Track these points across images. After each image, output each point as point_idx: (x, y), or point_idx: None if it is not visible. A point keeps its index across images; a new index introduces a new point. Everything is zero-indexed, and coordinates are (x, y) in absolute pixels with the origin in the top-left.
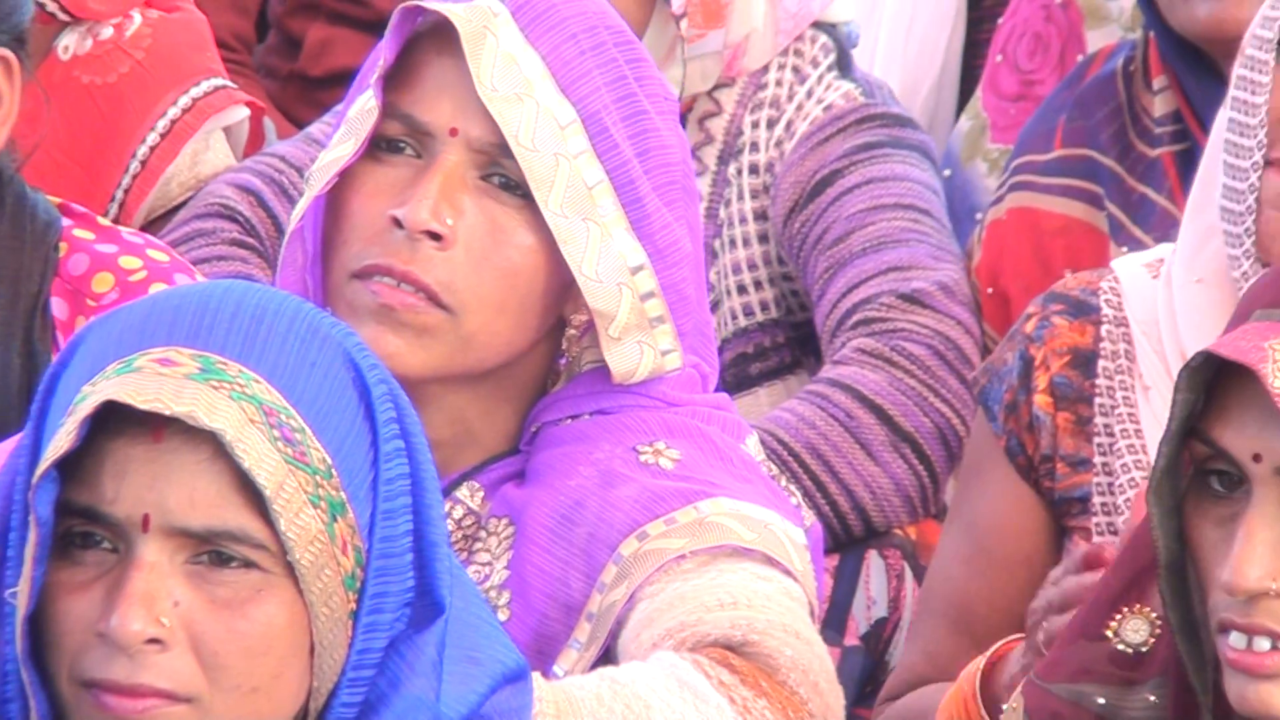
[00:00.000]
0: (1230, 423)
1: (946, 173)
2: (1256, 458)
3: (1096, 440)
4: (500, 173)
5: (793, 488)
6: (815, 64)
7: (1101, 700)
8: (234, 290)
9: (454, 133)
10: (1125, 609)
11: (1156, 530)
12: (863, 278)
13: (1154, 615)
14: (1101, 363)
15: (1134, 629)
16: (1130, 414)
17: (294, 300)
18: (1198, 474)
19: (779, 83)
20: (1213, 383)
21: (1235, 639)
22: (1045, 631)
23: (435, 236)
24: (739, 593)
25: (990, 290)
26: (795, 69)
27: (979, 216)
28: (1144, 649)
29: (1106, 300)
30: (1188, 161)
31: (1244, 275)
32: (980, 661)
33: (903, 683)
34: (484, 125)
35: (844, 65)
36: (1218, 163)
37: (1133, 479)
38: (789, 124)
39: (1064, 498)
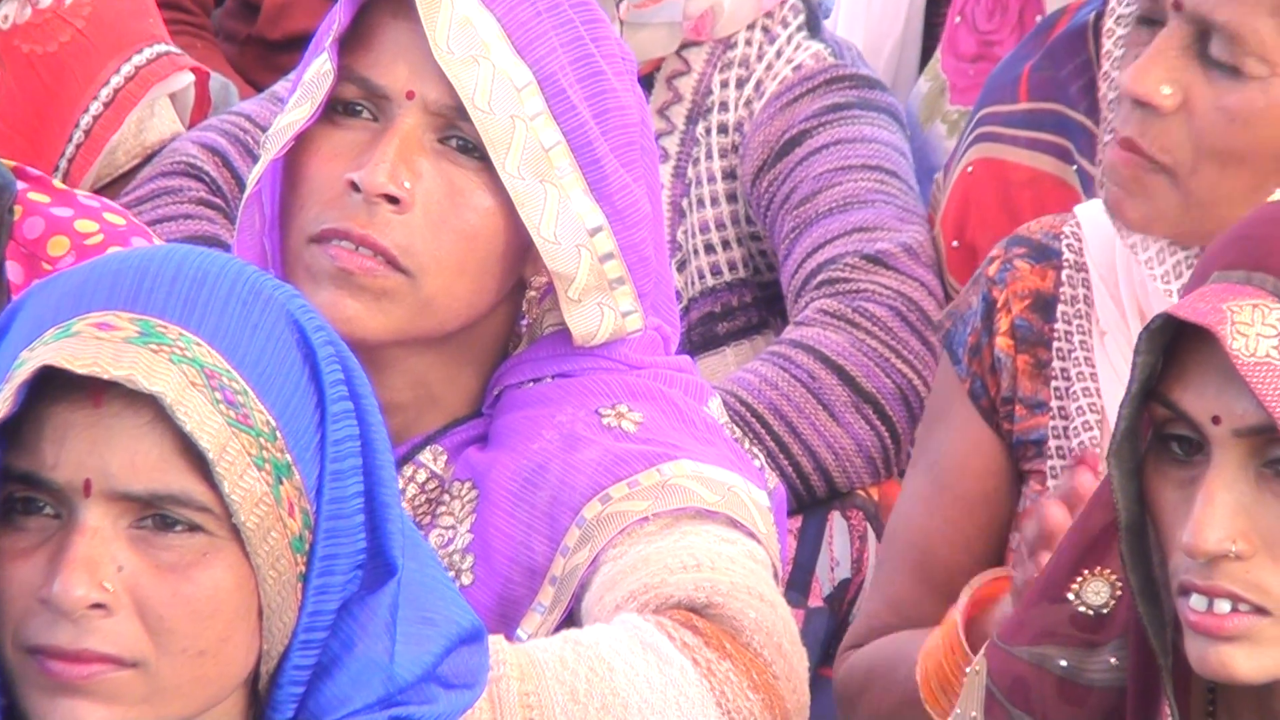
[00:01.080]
0: (1190, 385)
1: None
2: (1216, 420)
3: (1053, 384)
4: (458, 135)
5: (755, 450)
6: (785, 24)
7: (1064, 662)
8: (175, 254)
9: (410, 95)
10: (1086, 571)
11: (1117, 493)
12: (828, 238)
13: (1114, 577)
14: (1060, 307)
15: (1095, 591)
16: (1086, 358)
17: (236, 263)
18: (1157, 437)
19: (748, 42)
20: (1172, 345)
21: (1196, 601)
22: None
23: (393, 200)
24: (702, 555)
25: (956, 243)
26: (765, 29)
27: (937, 176)
28: (1105, 611)
29: (1068, 245)
30: None
31: (1133, 246)
32: (965, 598)
33: (867, 629)
34: (440, 88)
35: (813, 26)
36: None
37: (1087, 422)
38: (758, 84)
39: (1021, 440)
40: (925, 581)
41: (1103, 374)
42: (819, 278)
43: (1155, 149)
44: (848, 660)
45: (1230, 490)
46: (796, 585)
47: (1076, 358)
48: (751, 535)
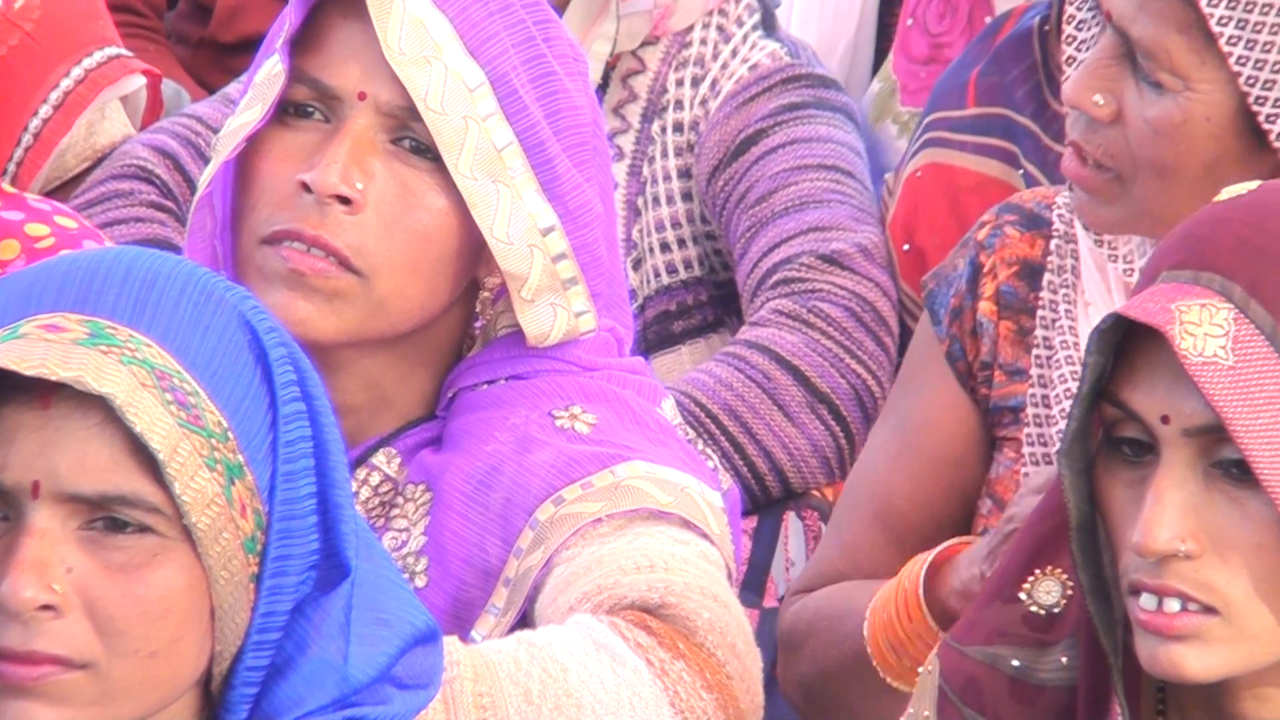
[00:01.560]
0: (1139, 385)
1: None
2: (1165, 419)
3: (1035, 352)
4: (410, 136)
5: (710, 451)
6: (740, 23)
7: (1016, 662)
8: (124, 255)
9: (362, 96)
10: (1038, 570)
11: (1068, 492)
12: (783, 237)
13: (1065, 577)
14: (1047, 276)
15: (1046, 590)
16: (1070, 327)
17: (187, 265)
18: (1108, 437)
19: (704, 41)
20: (1123, 345)
21: (1146, 600)
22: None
23: (345, 200)
24: (656, 556)
25: (906, 247)
26: (720, 28)
27: (887, 177)
28: (1056, 610)
29: (1059, 215)
30: None
31: (1108, 243)
32: (925, 560)
33: (818, 575)
34: (392, 89)
35: (769, 25)
36: None
37: (1068, 390)
38: (714, 82)
39: (998, 406)
40: (883, 532)
41: (1085, 343)
42: (774, 277)
43: (1100, 155)
44: (794, 605)
45: (1180, 490)
46: (751, 586)
47: (1060, 327)
48: (705, 536)
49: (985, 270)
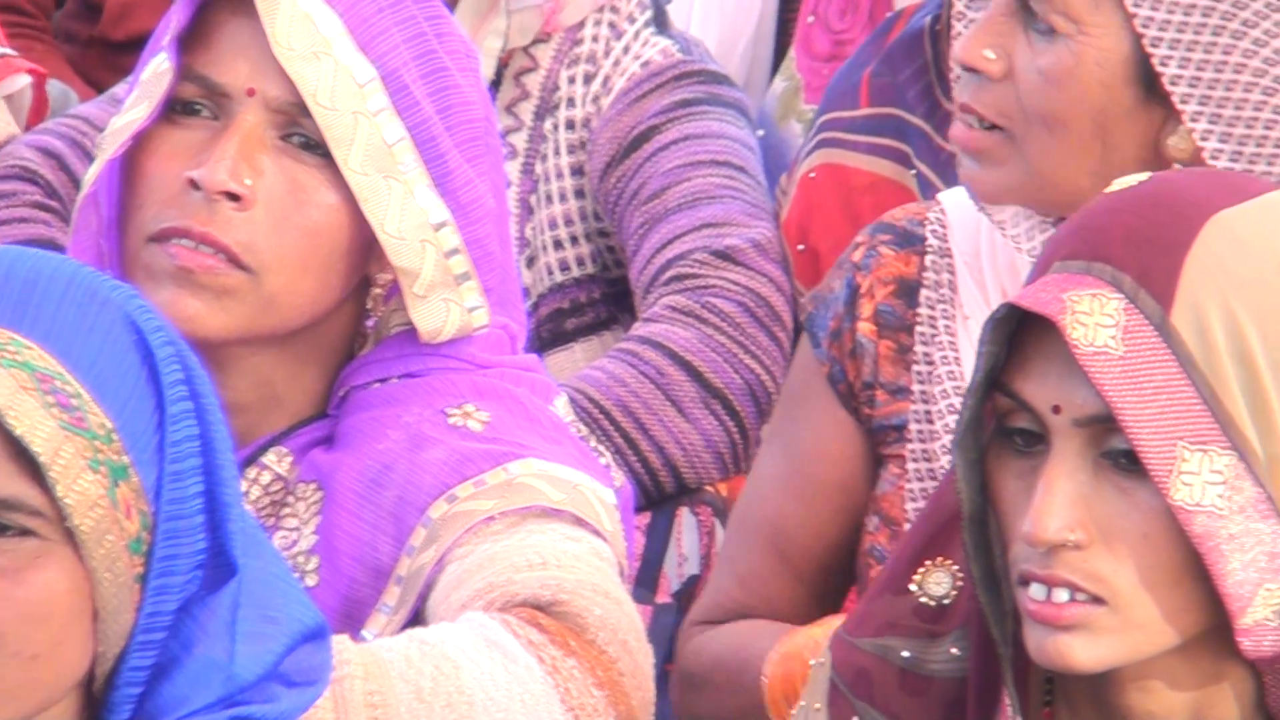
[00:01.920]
0: (1031, 375)
1: (760, 132)
2: (1056, 409)
3: (916, 369)
4: (299, 132)
5: (602, 448)
6: (631, 20)
7: (906, 654)
8: (5, 256)
9: (251, 93)
10: (928, 562)
11: (960, 482)
12: (677, 234)
13: (956, 568)
14: (924, 292)
15: (936, 582)
16: (950, 342)
17: (71, 264)
18: (1000, 427)
19: (595, 39)
20: (1016, 335)
21: (1035, 590)
22: None
23: (234, 197)
24: (548, 553)
25: (801, 247)
26: (611, 25)
27: (782, 177)
28: (946, 601)
29: (932, 231)
30: None
31: (1001, 224)
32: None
33: (716, 606)
34: (281, 85)
35: (660, 22)
36: None
37: (951, 405)
38: (606, 80)
39: (882, 425)
40: (777, 558)
41: (965, 358)
42: (668, 274)
43: (991, 113)
44: (695, 639)
45: (1070, 479)
46: (644, 582)
47: (940, 341)
48: (597, 533)
49: (862, 291)
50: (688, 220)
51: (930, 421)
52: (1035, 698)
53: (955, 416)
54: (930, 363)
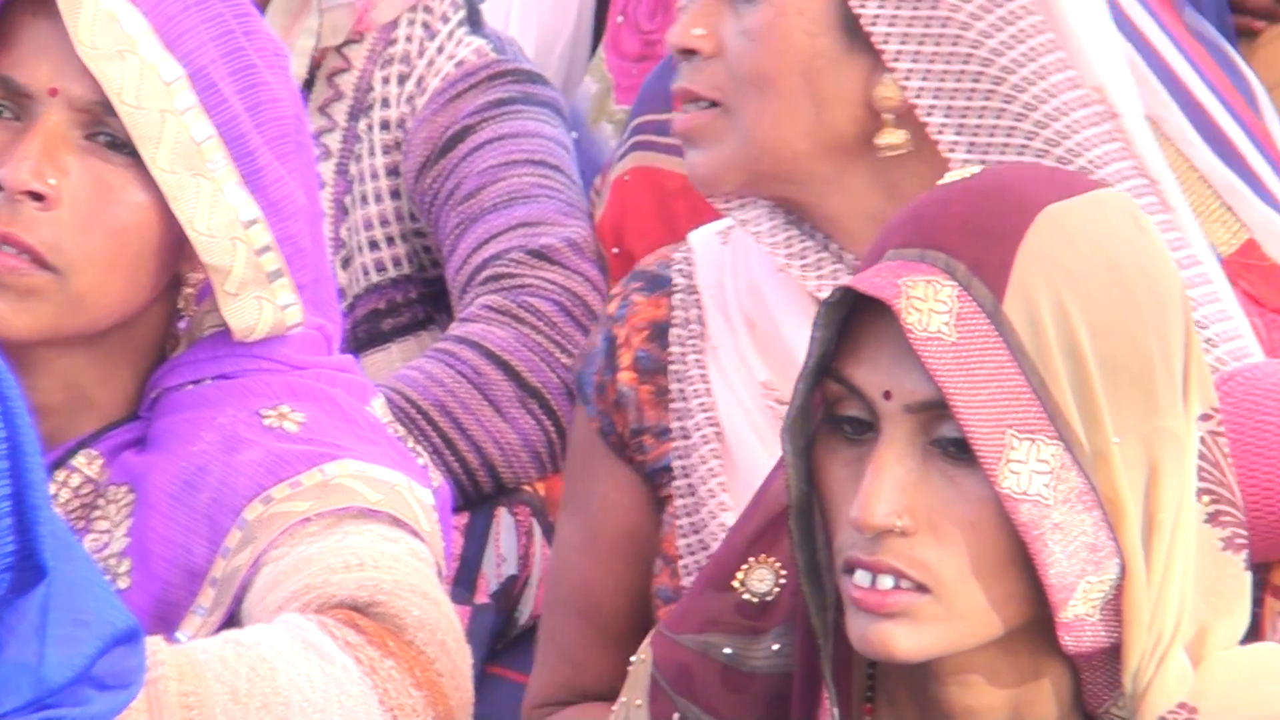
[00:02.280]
0: (863, 360)
1: (573, 134)
2: (887, 395)
3: (673, 407)
4: (105, 131)
5: (420, 448)
6: (445, 19)
7: (728, 650)
8: None
9: (54, 93)
10: (752, 559)
11: (789, 470)
12: (492, 233)
13: (779, 565)
14: (674, 331)
15: (759, 579)
16: (701, 375)
17: None
18: (829, 415)
19: (409, 39)
20: (848, 323)
21: (860, 577)
22: None
23: (37, 196)
24: (365, 554)
25: (616, 250)
26: (425, 25)
27: (596, 181)
28: (769, 598)
29: (679, 270)
30: None
31: (744, 224)
32: None
33: (549, 685)
34: (85, 84)
35: (474, 21)
36: None
37: (705, 435)
38: (420, 80)
39: (655, 469)
40: (589, 626)
41: (716, 388)
42: (484, 274)
43: (705, 90)
44: None
45: (899, 465)
46: (463, 582)
47: (691, 376)
48: (415, 534)
49: (620, 342)
50: (504, 220)
51: (689, 456)
52: (857, 693)
53: (712, 446)
54: (684, 399)
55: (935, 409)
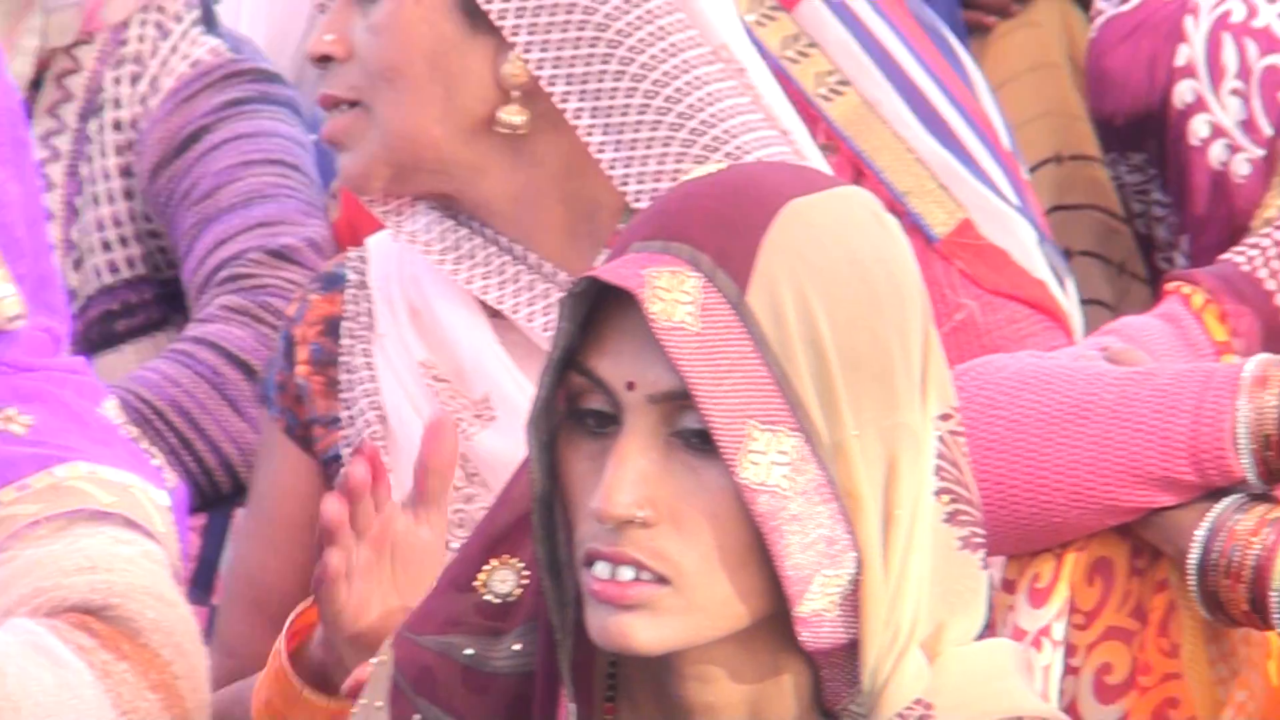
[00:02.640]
0: (607, 352)
1: (313, 137)
2: (630, 386)
3: (342, 397)
4: None
5: (155, 449)
6: (179, 19)
7: (469, 651)
8: None
9: None
10: (494, 560)
11: (532, 464)
12: (230, 234)
13: (522, 566)
14: (345, 324)
15: (501, 579)
16: (367, 364)
17: None
18: (573, 408)
19: (141, 39)
20: (592, 315)
21: (600, 569)
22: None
23: None
24: (98, 557)
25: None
26: (158, 25)
27: (333, 186)
28: (511, 599)
29: (353, 268)
30: None
31: (398, 224)
32: (285, 631)
33: (213, 681)
34: None
35: (209, 21)
36: None
37: (368, 419)
38: (154, 80)
39: (327, 458)
40: (258, 614)
41: (381, 374)
42: (222, 274)
43: (343, 90)
44: None
45: (642, 456)
46: (200, 583)
47: (357, 366)
48: (149, 535)
49: (297, 340)
50: (241, 220)
51: (354, 442)
52: (598, 692)
53: (375, 429)
54: (352, 389)
55: (678, 399)
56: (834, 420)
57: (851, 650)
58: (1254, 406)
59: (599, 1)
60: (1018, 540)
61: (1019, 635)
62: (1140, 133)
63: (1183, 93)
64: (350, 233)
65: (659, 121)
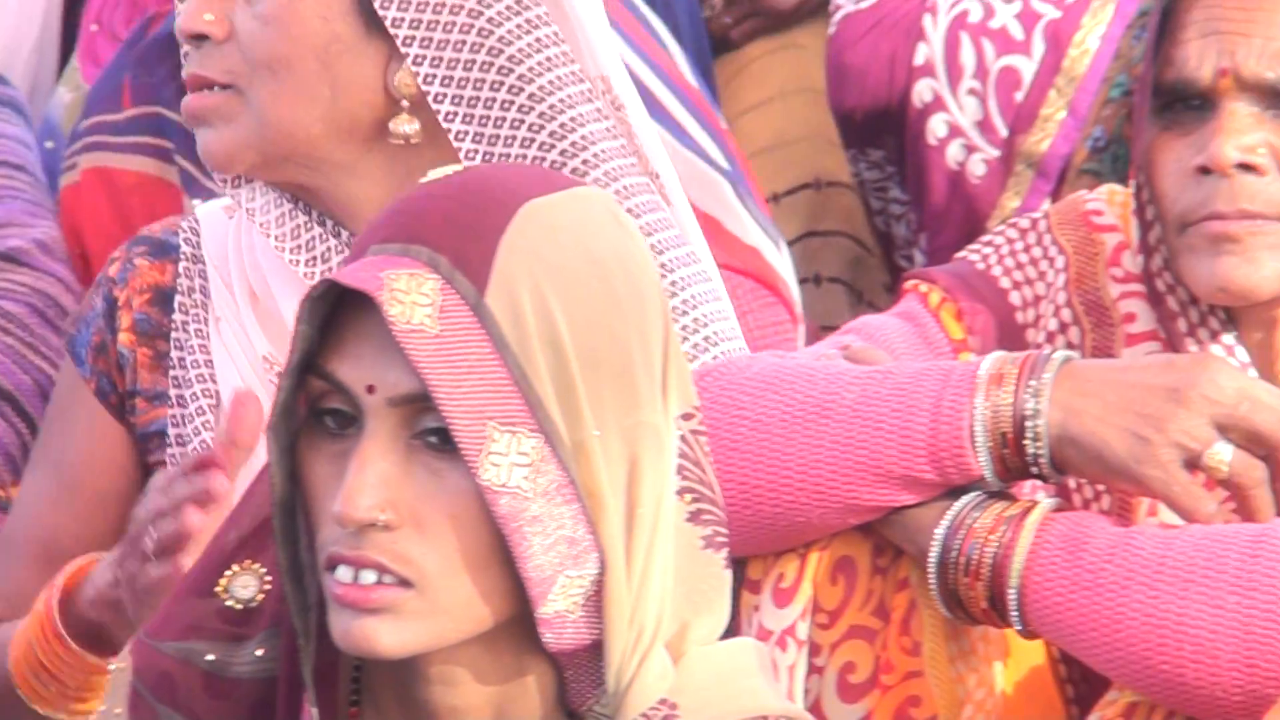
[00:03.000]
0: (347, 355)
1: (49, 144)
2: (371, 389)
3: (172, 374)
4: None
5: None
6: None
7: (211, 657)
8: None
9: None
10: (236, 565)
11: (273, 468)
12: None
13: (263, 571)
14: (178, 299)
15: (243, 585)
16: (202, 345)
17: None
18: (314, 412)
19: None
20: (333, 318)
21: (342, 573)
22: (153, 539)
23: None
24: None
25: (77, 252)
26: None
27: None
28: (253, 604)
29: (186, 240)
30: None
31: (250, 214)
32: (60, 579)
33: None
34: None
35: None
36: None
37: (201, 407)
38: None
39: (145, 433)
40: (49, 571)
41: (218, 359)
42: None
43: (218, 74)
44: None
45: (383, 459)
46: None
47: (192, 346)
48: None
49: (121, 304)
50: None
51: (184, 424)
52: (342, 697)
53: (207, 418)
54: (184, 367)
55: (419, 402)
56: (574, 420)
57: (596, 650)
58: (990, 404)
59: (494, 24)
60: (761, 540)
61: (764, 635)
62: (879, 129)
63: (921, 91)
64: (73, 236)
65: (531, 139)
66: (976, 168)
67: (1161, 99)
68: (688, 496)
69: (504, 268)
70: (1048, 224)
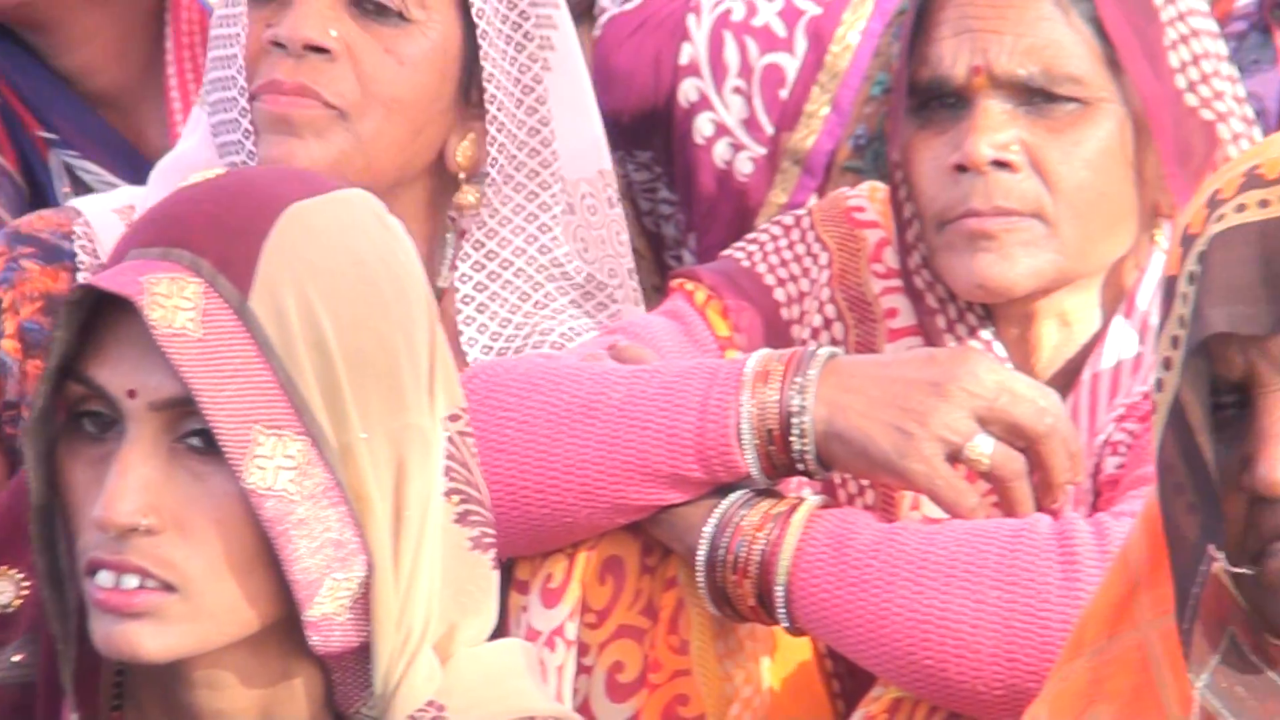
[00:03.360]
0: (107, 360)
1: None
2: (132, 394)
3: None
4: None
5: None
6: None
7: None
8: None
9: None
10: None
11: (30, 473)
12: None
13: (21, 576)
14: None
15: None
16: None
17: None
18: (72, 416)
19: None
20: (92, 323)
21: (103, 578)
22: None
23: None
24: None
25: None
26: None
27: None
28: (10, 610)
29: (81, 245)
30: None
31: None
32: None
33: None
34: None
35: None
36: None
37: None
38: None
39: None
40: None
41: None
42: None
43: (331, 93)
44: None
45: (145, 464)
46: None
47: None
48: None
49: (5, 306)
50: None
51: None
52: (104, 702)
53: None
54: None
55: (182, 406)
56: (341, 422)
57: (363, 653)
58: (756, 402)
59: (535, 95)
60: (529, 540)
61: (532, 636)
62: (647, 130)
63: (687, 91)
64: None
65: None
66: (744, 166)
67: (917, 97)
68: (455, 498)
69: (268, 270)
70: (811, 221)
